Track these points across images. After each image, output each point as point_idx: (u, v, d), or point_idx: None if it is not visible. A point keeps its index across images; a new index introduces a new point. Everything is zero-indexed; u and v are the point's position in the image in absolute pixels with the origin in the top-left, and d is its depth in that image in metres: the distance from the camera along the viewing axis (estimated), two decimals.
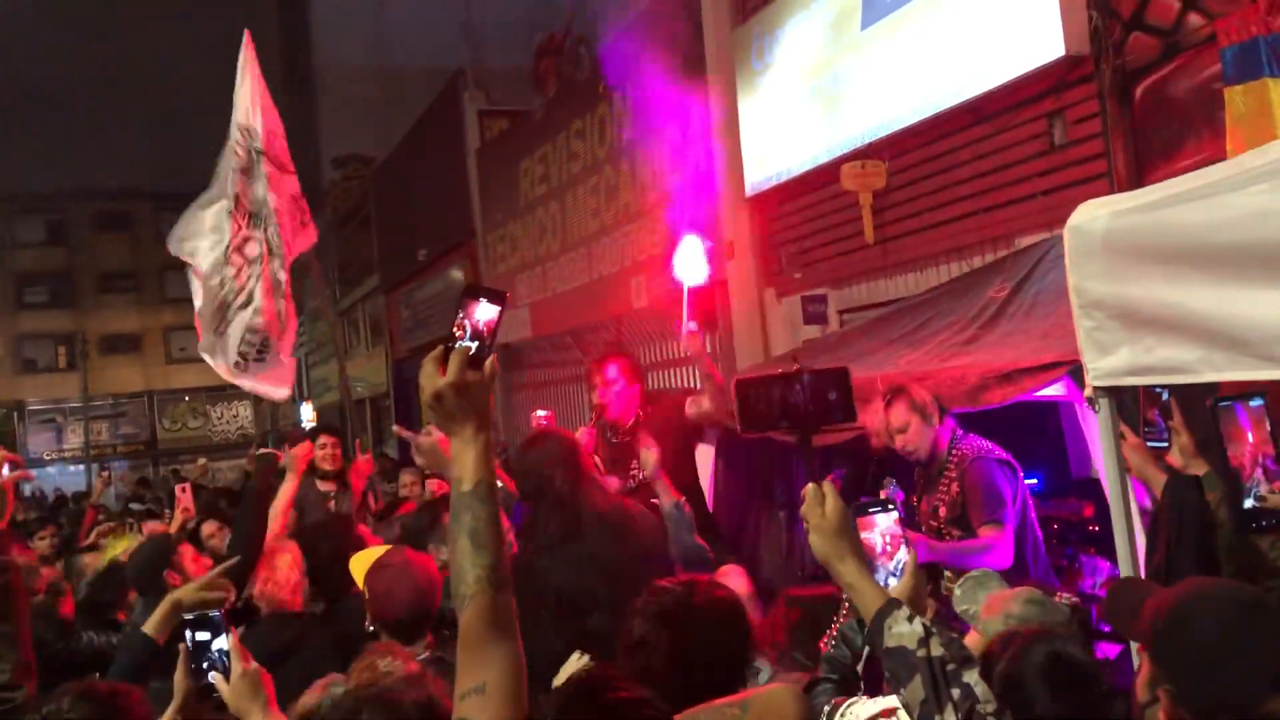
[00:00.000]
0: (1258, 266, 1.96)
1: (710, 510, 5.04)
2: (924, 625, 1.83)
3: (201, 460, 20.28)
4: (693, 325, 5.02)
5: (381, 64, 28.15)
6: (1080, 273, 2.48)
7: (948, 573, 4.00)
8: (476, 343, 1.68)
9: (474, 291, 1.69)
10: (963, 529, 3.97)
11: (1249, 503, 1.78)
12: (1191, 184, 2.18)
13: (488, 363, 1.69)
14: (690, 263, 5.45)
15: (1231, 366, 2.05)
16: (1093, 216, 2.41)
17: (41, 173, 43.84)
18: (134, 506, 12.64)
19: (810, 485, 1.96)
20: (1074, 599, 2.70)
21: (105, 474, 15.17)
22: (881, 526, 2.04)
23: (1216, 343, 2.10)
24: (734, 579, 3.66)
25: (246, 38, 6.75)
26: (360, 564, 3.49)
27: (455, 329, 1.68)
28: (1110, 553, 3.81)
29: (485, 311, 1.69)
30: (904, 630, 1.83)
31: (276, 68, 39.03)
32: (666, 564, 3.62)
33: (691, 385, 8.46)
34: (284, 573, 3.94)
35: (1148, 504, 2.76)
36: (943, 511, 4.06)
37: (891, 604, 1.85)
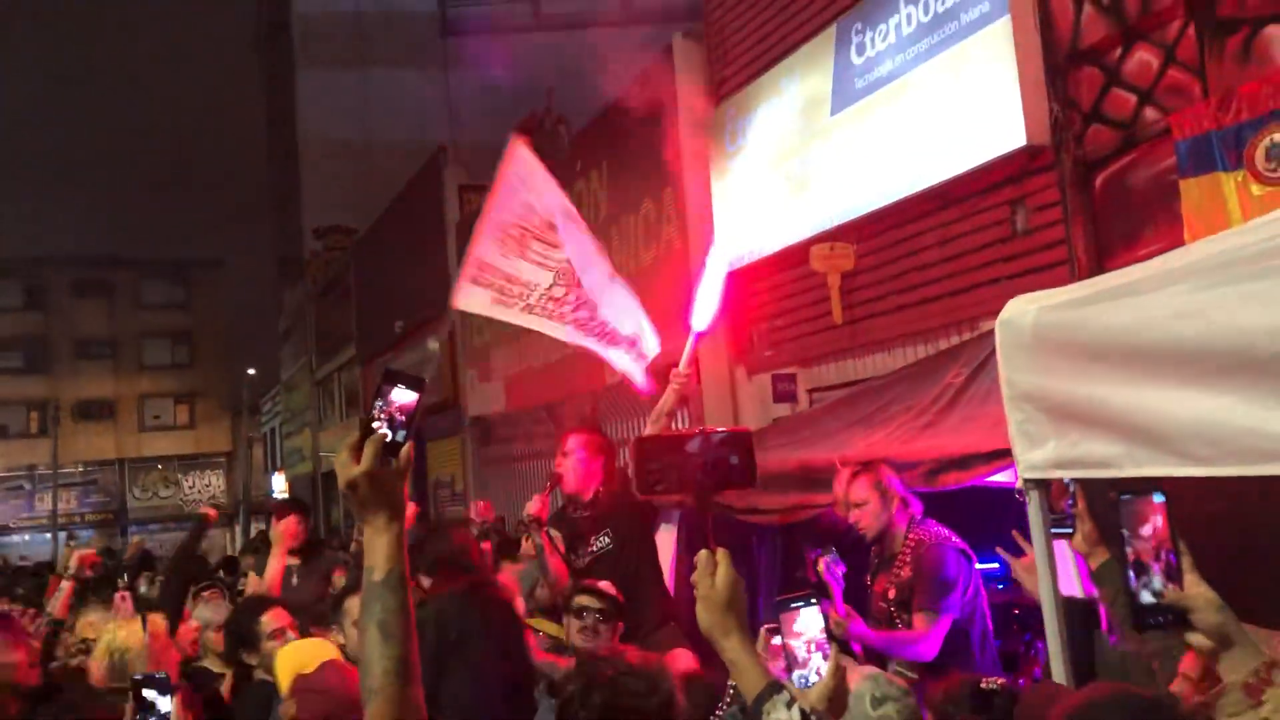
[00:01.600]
0: (1175, 365, 2.01)
1: (671, 594, 4.98)
2: (802, 712, 1.77)
3: (136, 538, 20.07)
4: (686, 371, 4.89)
5: (365, 138, 28.48)
6: (1010, 366, 2.52)
7: (895, 665, 3.98)
8: (393, 431, 1.66)
9: (392, 377, 1.69)
10: (910, 613, 3.98)
11: (1146, 598, 1.77)
12: (1115, 282, 2.24)
13: (403, 451, 1.68)
14: (705, 303, 5.16)
15: (1152, 463, 2.09)
16: (1022, 311, 2.46)
17: (20, 237, 43.90)
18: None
19: (703, 552, 1.89)
20: (1000, 681, 2.66)
21: (73, 544, 14.86)
22: (805, 625, 1.92)
23: (1137, 439, 2.14)
24: (682, 661, 3.64)
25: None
26: (287, 659, 3.38)
27: (373, 415, 1.66)
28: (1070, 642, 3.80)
29: (403, 397, 1.68)
30: (781, 717, 1.76)
31: (263, 141, 39.48)
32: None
33: None
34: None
35: (1094, 592, 2.76)
36: (892, 594, 4.08)
37: (772, 687, 1.79)
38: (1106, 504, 2.41)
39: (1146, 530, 1.75)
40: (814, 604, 1.88)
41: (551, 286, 5.56)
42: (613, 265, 5.61)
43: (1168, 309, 2.04)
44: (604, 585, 4.06)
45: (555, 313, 5.56)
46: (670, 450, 1.95)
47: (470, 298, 5.67)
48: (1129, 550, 1.76)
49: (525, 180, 5.57)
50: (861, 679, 2.42)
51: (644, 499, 3.14)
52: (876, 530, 4.11)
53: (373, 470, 1.64)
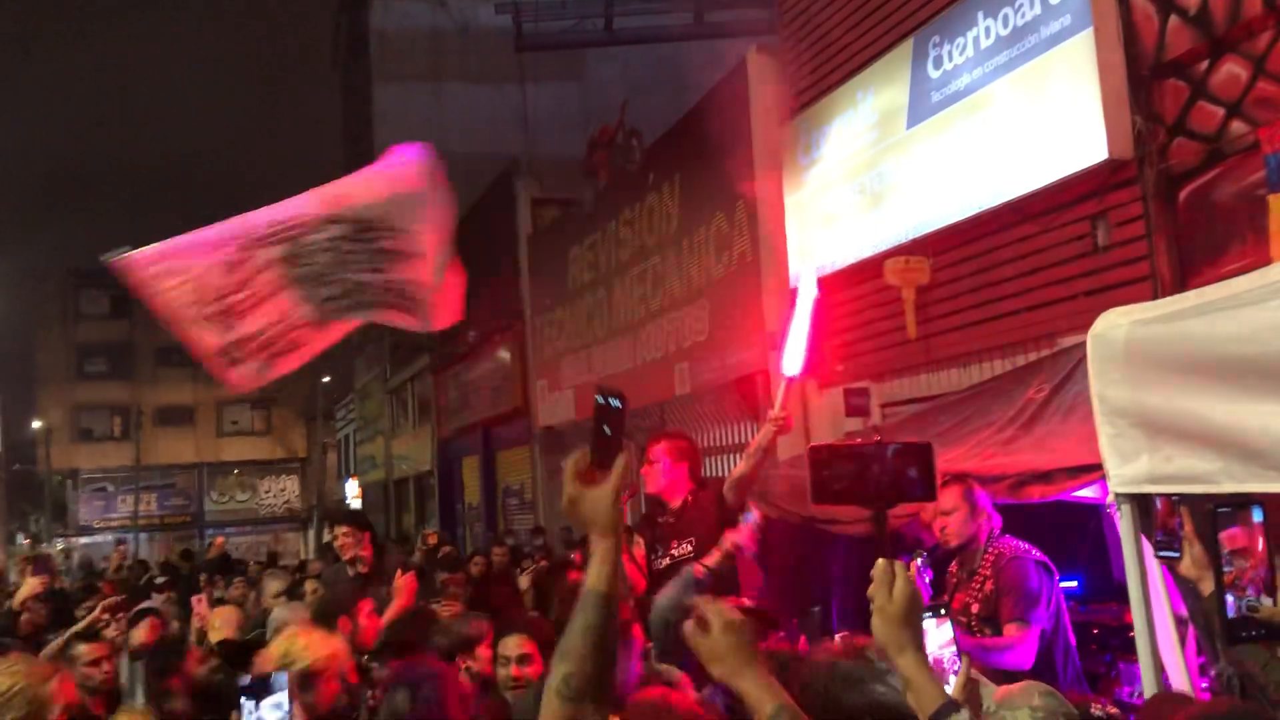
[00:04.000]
0: (1275, 380, 1.97)
1: None
2: None
3: (219, 539, 20.68)
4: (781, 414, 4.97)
5: (440, 152, 28.85)
6: (1102, 380, 2.49)
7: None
8: (601, 449, 1.68)
9: (604, 393, 1.69)
10: (994, 628, 3.94)
11: (1238, 611, 1.74)
12: (1212, 296, 2.20)
13: (616, 463, 1.67)
14: (795, 348, 5.26)
15: (1249, 478, 2.06)
16: (1114, 325, 2.43)
17: (109, 248, 45.22)
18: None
19: (881, 561, 1.80)
20: (1112, 709, 2.59)
21: (123, 547, 15.13)
22: (934, 637, 1.86)
23: (1234, 454, 2.10)
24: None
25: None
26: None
27: (594, 435, 1.68)
28: None
29: (610, 414, 1.68)
30: None
31: (340, 155, 40.26)
32: None
33: None
34: None
35: (1183, 611, 2.71)
36: (975, 608, 4.03)
37: (949, 706, 1.75)
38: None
39: (1242, 544, 1.74)
40: (942, 614, 1.84)
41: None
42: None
43: (1267, 322, 2.01)
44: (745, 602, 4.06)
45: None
46: (847, 460, 1.88)
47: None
48: (1225, 565, 1.75)
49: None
50: (1036, 694, 2.29)
51: (818, 507, 3.00)
52: (962, 539, 4.08)
53: (584, 487, 1.66)
